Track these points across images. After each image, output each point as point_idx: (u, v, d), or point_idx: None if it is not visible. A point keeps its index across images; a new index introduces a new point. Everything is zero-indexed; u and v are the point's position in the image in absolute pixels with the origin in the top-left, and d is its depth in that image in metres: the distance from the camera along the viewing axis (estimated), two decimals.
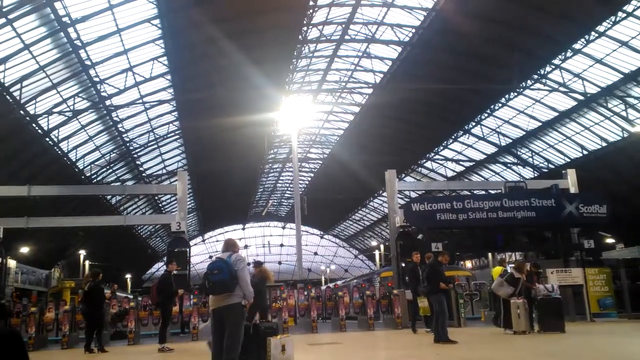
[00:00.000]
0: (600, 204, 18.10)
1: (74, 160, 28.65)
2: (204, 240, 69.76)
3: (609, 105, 25.36)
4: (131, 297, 27.14)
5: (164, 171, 38.74)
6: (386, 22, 25.49)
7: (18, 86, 20.74)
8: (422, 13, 24.05)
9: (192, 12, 21.30)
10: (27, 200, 19.96)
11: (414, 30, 25.41)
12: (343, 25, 26.11)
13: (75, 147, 28.15)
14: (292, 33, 25.32)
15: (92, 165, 31.13)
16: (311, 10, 24.10)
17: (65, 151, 27.40)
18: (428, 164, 40.01)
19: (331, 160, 43.57)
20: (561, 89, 25.51)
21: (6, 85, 20.46)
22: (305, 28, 25.59)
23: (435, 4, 23.04)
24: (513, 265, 14.01)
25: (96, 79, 23.63)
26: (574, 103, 26.64)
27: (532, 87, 26.47)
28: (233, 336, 6.93)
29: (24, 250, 32.12)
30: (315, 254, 72.25)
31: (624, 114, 24.96)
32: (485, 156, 35.47)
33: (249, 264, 10.95)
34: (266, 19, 23.13)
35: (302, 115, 22.80)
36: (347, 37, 27.09)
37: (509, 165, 34.75)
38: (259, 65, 25.20)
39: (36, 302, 18.01)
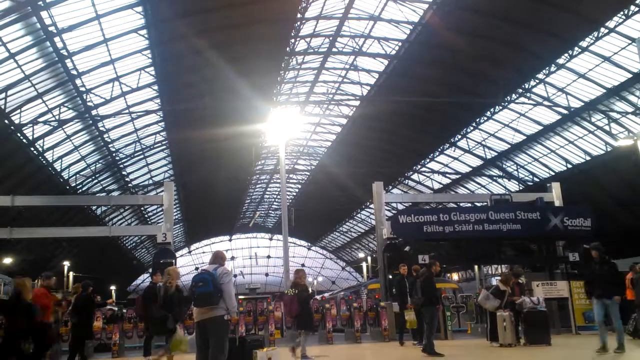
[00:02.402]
0: (585, 217, 18.30)
1: (59, 170, 28.34)
2: (190, 252, 69.26)
3: (593, 120, 25.71)
4: (116, 308, 26.74)
5: (151, 182, 38.50)
6: (373, 35, 25.69)
7: (3, 95, 20.53)
8: (409, 27, 24.28)
9: (179, 23, 21.30)
10: (11, 210, 19.72)
11: (400, 44, 25.63)
12: (330, 38, 26.27)
13: (61, 157, 27.87)
14: (280, 45, 25.40)
15: (78, 175, 30.81)
16: (299, 23, 24.22)
17: (50, 161, 27.11)
18: (415, 176, 40.20)
19: (319, 171, 43.61)
20: (545, 103, 25.81)
21: None
22: (293, 40, 25.70)
23: (421, 18, 23.28)
24: (499, 278, 14.06)
25: (82, 89, 23.46)
26: (558, 117, 26.97)
27: (516, 101, 26.76)
28: (217, 349, 6.89)
29: (7, 261, 31.65)
30: (303, 265, 71.87)
31: (607, 128, 25.31)
32: (471, 169, 35.74)
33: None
34: (254, 30, 23.19)
35: (290, 127, 22.77)
36: (334, 49, 27.24)
37: (494, 178, 35.02)
38: (247, 77, 25.22)
39: None
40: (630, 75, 22.24)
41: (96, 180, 33.96)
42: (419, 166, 38.30)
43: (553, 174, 30.20)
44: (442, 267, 16.81)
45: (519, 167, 32.68)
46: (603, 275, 10.43)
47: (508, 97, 26.36)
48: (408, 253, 19.32)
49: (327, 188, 44.64)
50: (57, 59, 20.75)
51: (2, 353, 9.15)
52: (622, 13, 19.77)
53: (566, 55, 22.80)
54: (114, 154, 31.91)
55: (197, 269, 56.95)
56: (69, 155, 28.49)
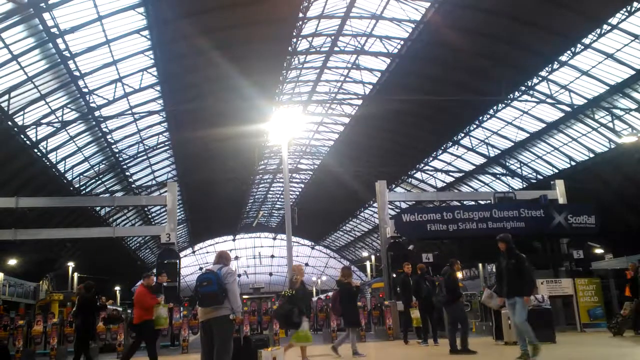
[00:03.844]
0: (589, 215, 18.28)
1: (62, 171, 28.41)
2: (194, 252, 69.37)
3: (596, 117, 25.62)
4: (120, 309, 26.86)
5: (154, 182, 38.55)
6: (375, 34, 25.66)
7: (6, 97, 20.58)
8: (411, 25, 24.24)
9: (181, 24, 21.33)
10: (15, 211, 19.79)
11: (402, 42, 25.59)
12: (332, 37, 26.25)
13: (64, 158, 27.93)
14: (282, 44, 25.40)
15: (81, 176, 30.88)
16: (301, 22, 24.21)
17: (54, 162, 27.19)
18: (418, 175, 40.13)
19: (322, 171, 43.59)
20: (548, 100, 25.74)
21: None
22: (295, 39, 25.70)
23: (423, 17, 23.25)
24: None
25: (85, 90, 23.49)
26: (561, 114, 26.90)
27: (519, 98, 26.70)
28: (222, 348, 6.91)
29: (12, 262, 31.75)
30: (307, 264, 72.02)
31: (610, 125, 25.22)
32: (474, 167, 35.67)
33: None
34: (256, 30, 23.20)
35: (292, 126, 22.77)
36: (336, 48, 27.21)
37: (497, 176, 34.96)
38: (249, 77, 25.24)
39: (24, 315, 17.81)
40: (633, 72, 22.15)
41: (100, 181, 34.03)
42: (422, 164, 38.23)
43: (557, 171, 30.11)
44: (445, 266, 16.77)
45: (522, 164, 32.61)
46: (509, 270, 9.32)
47: (511, 95, 26.32)
48: (412, 251, 19.33)
49: (330, 187, 44.63)
50: (59, 60, 20.79)
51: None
52: (624, 10, 19.69)
53: (569, 52, 22.73)
54: (117, 155, 31.97)
55: (201, 269, 57.09)
56: (72, 156, 28.54)
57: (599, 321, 16.49)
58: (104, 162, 32.31)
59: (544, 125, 28.32)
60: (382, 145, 37.59)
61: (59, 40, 19.64)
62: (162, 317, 10.73)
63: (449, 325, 11.51)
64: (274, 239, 70.64)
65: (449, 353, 10.78)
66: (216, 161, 37.29)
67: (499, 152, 32.64)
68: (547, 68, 24.31)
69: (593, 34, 21.27)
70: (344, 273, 11.87)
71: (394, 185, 40.56)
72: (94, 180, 32.81)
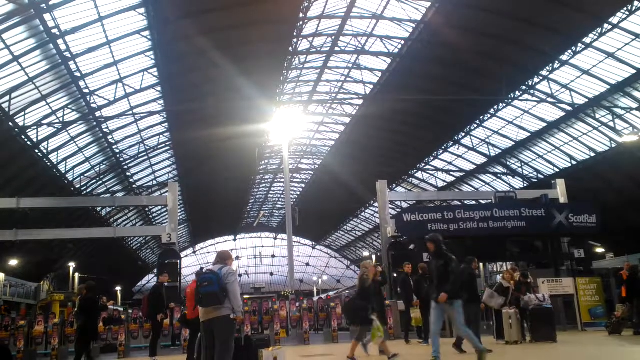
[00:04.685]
0: (590, 214, 18.28)
1: (63, 172, 28.44)
2: (195, 252, 69.38)
3: (597, 116, 25.60)
4: (122, 309, 26.89)
5: (155, 182, 38.57)
6: (376, 34, 25.66)
7: (7, 98, 20.61)
8: (411, 25, 24.23)
9: (182, 24, 21.34)
10: (16, 212, 19.81)
11: (403, 42, 25.58)
12: (333, 37, 26.24)
13: (65, 159, 27.95)
14: (283, 44, 25.41)
15: (82, 177, 30.92)
16: (301, 22, 24.22)
17: (55, 163, 27.20)
18: (419, 175, 40.11)
19: (322, 171, 43.61)
20: (549, 99, 25.73)
21: None
22: (295, 40, 25.70)
23: (424, 17, 23.24)
24: (502, 275, 14.05)
25: (86, 91, 23.51)
26: (562, 114, 26.88)
27: (520, 98, 26.69)
28: (224, 348, 6.92)
29: (13, 262, 31.79)
30: (307, 264, 72.05)
31: (611, 124, 25.20)
32: (475, 166, 35.65)
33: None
34: (256, 30, 23.21)
35: (293, 126, 22.84)
36: (337, 48, 27.21)
37: (498, 175, 34.94)
38: (250, 77, 25.25)
39: (25, 315, 17.86)
40: (634, 71, 22.12)
41: (101, 182, 34.06)
42: (423, 164, 38.21)
43: (557, 170, 30.09)
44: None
45: (523, 164, 32.60)
46: (438, 272, 8.72)
47: (512, 94, 26.31)
48: (413, 251, 19.32)
49: (331, 187, 44.65)
50: (60, 61, 20.80)
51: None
52: (625, 9, 19.66)
53: (570, 51, 22.71)
54: (118, 155, 32.00)
55: (202, 268, 57.06)
56: (73, 157, 28.57)
57: (600, 320, 16.50)
58: (104, 163, 32.32)
59: (544, 124, 28.30)
60: (382, 144, 37.60)
61: (60, 41, 19.65)
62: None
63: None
64: (275, 238, 70.63)
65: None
66: (217, 161, 37.30)
67: (500, 151, 32.62)
68: (547, 67, 24.29)
69: (594, 33, 21.25)
70: (364, 272, 11.85)
71: (394, 185, 40.56)
72: (94, 180, 32.85)
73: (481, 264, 29.78)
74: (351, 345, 10.09)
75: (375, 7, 23.86)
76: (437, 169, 37.44)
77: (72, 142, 27.25)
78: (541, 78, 25.09)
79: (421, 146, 36.41)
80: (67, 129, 25.62)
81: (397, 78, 27.77)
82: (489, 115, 29.76)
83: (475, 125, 31.25)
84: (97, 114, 25.53)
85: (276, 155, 41.13)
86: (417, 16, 23.50)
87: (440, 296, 8.32)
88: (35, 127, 23.49)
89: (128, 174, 35.59)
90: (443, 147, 35.03)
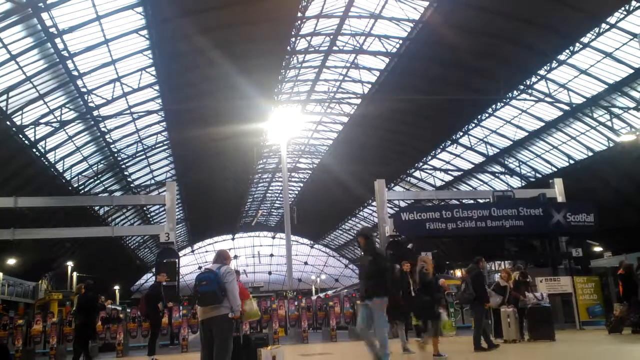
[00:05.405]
0: (588, 213, 18.33)
1: (61, 171, 28.39)
2: (193, 251, 69.34)
3: (595, 115, 25.65)
4: (120, 308, 26.87)
5: (153, 181, 38.54)
6: (374, 33, 25.66)
7: (4, 97, 20.56)
8: (409, 25, 24.24)
9: (180, 23, 21.31)
10: (14, 211, 19.77)
11: (401, 42, 25.59)
12: (331, 36, 26.24)
13: (63, 158, 27.90)
14: (281, 44, 25.40)
15: (80, 176, 30.84)
16: (299, 22, 24.21)
17: (53, 162, 27.15)
18: (417, 174, 40.15)
19: (321, 170, 43.60)
20: (547, 99, 25.77)
21: None
22: (293, 39, 25.69)
23: (422, 16, 23.25)
24: (499, 274, 14.08)
25: (84, 90, 23.46)
26: (560, 113, 26.92)
27: (518, 97, 26.72)
28: (222, 347, 6.92)
29: (11, 262, 31.73)
30: (306, 263, 72.04)
31: (609, 123, 25.26)
32: (473, 166, 35.69)
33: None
34: (254, 29, 23.19)
35: (291, 126, 22.85)
36: (335, 48, 27.20)
37: (496, 174, 34.98)
38: (248, 76, 25.23)
39: (23, 314, 17.82)
40: (631, 71, 22.18)
41: (98, 181, 34.01)
42: (421, 163, 38.26)
43: (555, 170, 30.13)
44: (445, 264, 16.90)
45: (521, 163, 32.65)
46: (367, 268, 8.16)
47: (510, 94, 26.34)
48: (411, 250, 19.34)
49: (329, 186, 44.64)
50: (58, 60, 20.76)
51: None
52: (623, 9, 19.71)
53: (567, 51, 22.75)
54: (116, 155, 31.96)
55: (200, 268, 57.06)
56: (71, 156, 28.53)
57: (598, 319, 16.55)
58: (102, 162, 32.27)
59: (542, 124, 28.35)
60: (380, 144, 37.62)
61: (58, 40, 19.61)
62: (253, 310, 11.15)
63: (476, 322, 11.62)
64: (273, 238, 70.60)
65: (487, 349, 10.82)
66: (215, 160, 37.27)
67: (498, 150, 32.68)
68: (545, 67, 24.34)
69: (592, 32, 21.29)
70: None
71: (392, 184, 40.61)
72: (92, 179, 32.79)
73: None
74: (432, 343, 9.99)
75: (373, 7, 23.86)
76: (435, 168, 37.49)
77: (70, 141, 27.20)
78: (539, 77, 25.13)
79: (419, 145, 36.44)
80: (65, 128, 25.57)
81: (395, 77, 27.78)
82: (487, 115, 29.81)
83: (474, 125, 31.29)
84: (95, 112, 25.47)
85: (274, 154, 41.12)
86: (415, 16, 23.51)
87: (375, 301, 7.83)
88: (33, 126, 23.45)
89: (126, 173, 35.55)
90: (441, 147, 35.05)
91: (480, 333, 10.96)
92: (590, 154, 27.82)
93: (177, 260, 19.98)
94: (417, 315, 10.91)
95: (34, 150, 25.18)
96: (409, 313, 12.36)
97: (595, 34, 21.25)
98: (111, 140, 30.03)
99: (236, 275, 11.75)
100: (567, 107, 25.94)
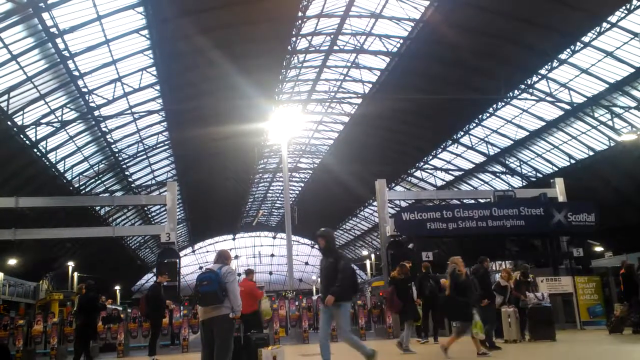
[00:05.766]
0: (589, 213, 18.30)
1: (62, 171, 28.40)
2: (194, 251, 69.35)
3: (596, 115, 25.63)
4: (120, 308, 26.88)
5: (153, 182, 38.55)
6: (374, 32, 25.65)
7: (5, 97, 20.57)
8: (410, 24, 24.23)
9: (180, 23, 21.32)
10: (15, 211, 19.77)
11: (402, 41, 25.58)
12: (332, 36, 26.23)
13: (64, 158, 27.92)
14: (281, 43, 25.39)
15: (81, 176, 30.87)
16: (300, 21, 24.20)
17: (54, 162, 27.17)
18: (418, 173, 40.14)
19: (321, 170, 43.59)
20: (548, 98, 25.74)
21: None
22: (294, 39, 25.69)
23: (423, 15, 23.24)
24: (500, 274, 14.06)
25: (85, 90, 23.48)
26: (561, 113, 26.90)
27: (519, 97, 26.70)
28: (223, 347, 6.91)
29: (12, 262, 31.73)
30: (307, 263, 72.01)
31: (610, 123, 25.23)
32: (474, 165, 35.67)
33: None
34: (255, 29, 23.19)
35: (292, 125, 22.82)
36: (335, 47, 27.20)
37: (497, 174, 34.95)
38: (249, 76, 25.23)
39: (24, 314, 17.82)
40: (633, 70, 22.16)
41: (99, 181, 34.03)
42: (422, 163, 38.25)
43: (556, 169, 30.11)
44: (445, 264, 16.84)
45: (522, 163, 32.62)
46: (327, 270, 7.81)
47: (510, 93, 26.32)
48: (412, 250, 19.33)
49: (330, 186, 44.62)
50: (59, 60, 20.78)
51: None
52: (624, 8, 19.68)
53: (568, 50, 22.73)
54: (117, 155, 31.97)
55: (201, 268, 57.05)
56: (72, 156, 28.55)
57: (599, 319, 16.52)
58: (103, 162, 32.29)
59: (543, 123, 28.32)
60: (381, 143, 37.61)
61: (59, 40, 19.63)
62: (268, 309, 11.55)
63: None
64: (274, 238, 70.57)
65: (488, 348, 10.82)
66: (216, 160, 37.27)
67: (499, 150, 32.66)
68: (546, 66, 24.32)
69: (593, 32, 21.27)
70: (401, 271, 11.93)
71: (393, 184, 40.58)
72: (93, 179, 32.81)
73: None
74: (449, 340, 9.99)
75: (374, 6, 23.86)
76: (436, 168, 37.48)
77: (71, 141, 27.22)
78: (540, 77, 25.11)
79: (420, 145, 36.43)
80: (66, 128, 25.59)
81: (396, 77, 27.76)
82: (488, 114, 29.79)
83: (474, 124, 31.27)
84: (96, 113, 25.49)
85: (275, 154, 41.11)
86: (416, 15, 23.49)
87: (327, 299, 7.53)
88: (34, 126, 23.46)
89: (127, 173, 35.57)
90: (442, 146, 35.04)
91: (492, 332, 11.04)
92: (591, 153, 27.80)
93: (178, 260, 19.98)
94: (450, 317, 10.86)
95: (35, 150, 25.20)
96: (417, 313, 12.45)
97: (596, 33, 21.23)
98: (112, 140, 30.06)
99: (251, 275, 12.44)
100: (568, 107, 25.92)
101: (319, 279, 8.40)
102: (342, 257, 7.96)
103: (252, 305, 11.62)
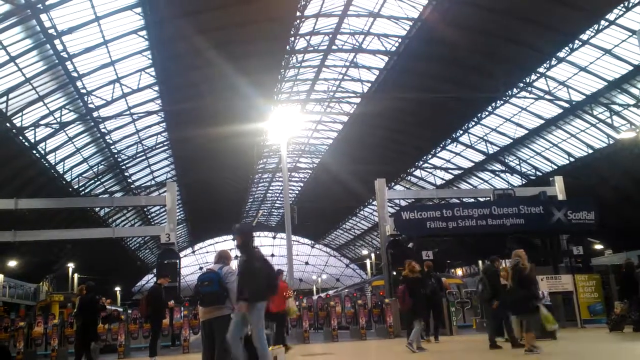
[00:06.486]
0: (588, 211, 18.29)
1: (61, 172, 28.38)
2: (194, 252, 69.37)
3: (594, 113, 25.65)
4: (121, 309, 26.89)
5: (153, 182, 38.54)
6: (373, 32, 25.65)
7: (4, 98, 20.55)
8: (408, 23, 24.24)
9: (179, 23, 21.30)
10: (15, 213, 19.76)
11: (400, 40, 25.59)
12: (330, 36, 26.23)
13: (63, 160, 27.90)
14: (280, 43, 25.39)
15: (80, 177, 30.86)
16: (298, 21, 24.20)
17: (53, 163, 27.15)
18: (417, 173, 40.14)
19: (321, 169, 43.59)
20: (547, 96, 25.75)
21: None
22: (292, 38, 25.69)
23: (421, 14, 23.24)
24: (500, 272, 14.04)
25: (83, 91, 23.47)
26: (560, 111, 26.91)
27: (518, 95, 26.69)
28: (223, 348, 6.90)
29: (12, 263, 31.71)
30: (307, 263, 72.05)
31: (609, 121, 25.25)
32: (473, 164, 35.67)
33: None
34: (253, 29, 23.19)
35: (291, 125, 22.80)
36: (334, 47, 27.20)
37: (497, 172, 34.96)
38: (247, 76, 25.22)
39: (24, 316, 17.80)
40: (631, 68, 22.18)
41: (99, 182, 34.01)
42: (421, 162, 38.25)
43: (556, 167, 30.14)
44: (446, 263, 16.90)
45: (521, 161, 32.62)
46: (241, 269, 7.20)
47: (509, 92, 26.32)
48: (412, 249, 19.33)
49: (329, 186, 44.63)
50: (57, 61, 20.77)
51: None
52: (622, 5, 19.69)
53: (567, 48, 22.74)
54: (116, 156, 31.95)
55: (201, 268, 57.08)
56: (71, 157, 28.53)
57: (599, 317, 16.51)
58: (102, 163, 32.27)
59: (542, 121, 28.33)
60: (380, 143, 37.62)
61: (57, 41, 19.61)
62: (294, 307, 12.23)
63: (489, 321, 11.72)
64: (274, 238, 70.61)
65: (489, 348, 10.93)
66: (215, 161, 37.25)
67: (498, 149, 32.66)
68: (545, 64, 24.33)
69: (591, 30, 21.28)
70: (410, 268, 11.94)
71: (393, 183, 40.58)
72: (93, 181, 32.79)
73: (480, 262, 29.87)
74: (527, 339, 9.89)
75: (372, 5, 23.86)
76: (435, 167, 37.49)
77: (70, 142, 27.19)
78: (538, 75, 25.13)
79: (419, 144, 36.42)
80: (65, 129, 25.57)
81: (394, 76, 27.77)
82: (487, 113, 29.79)
83: (473, 123, 31.27)
84: (95, 114, 25.48)
85: (274, 154, 41.11)
86: (414, 14, 23.50)
87: (239, 305, 6.93)
88: (33, 127, 23.45)
89: (126, 174, 35.55)
90: (441, 145, 35.03)
91: (512, 330, 11.11)
92: (591, 151, 27.81)
93: (178, 261, 19.99)
94: (514, 311, 10.79)
95: (34, 151, 25.17)
96: (428, 311, 12.48)
97: (594, 31, 21.24)
98: (111, 141, 30.04)
99: (280, 275, 12.34)
100: (566, 105, 25.93)
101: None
102: (256, 257, 7.31)
103: (282, 304, 11.89)
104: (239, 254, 7.42)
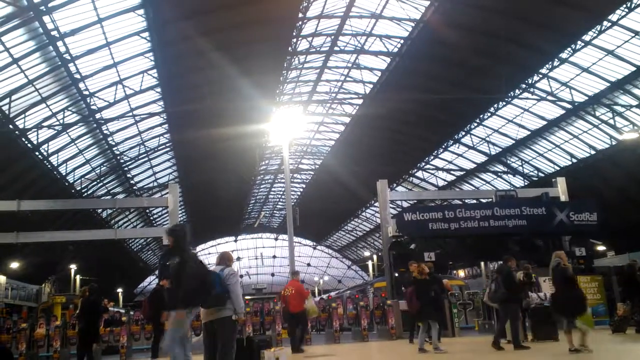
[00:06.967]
0: (591, 212, 18.23)
1: (64, 174, 28.45)
2: (195, 253, 69.37)
3: (597, 114, 25.61)
4: (123, 311, 26.91)
5: (155, 184, 38.56)
6: (375, 33, 25.67)
7: (7, 100, 20.62)
8: (410, 24, 24.24)
9: (181, 25, 21.33)
10: (17, 214, 19.79)
11: (402, 41, 25.59)
12: (332, 37, 26.25)
13: (65, 161, 27.97)
14: (282, 45, 25.41)
15: (83, 179, 30.92)
16: (300, 22, 24.22)
17: (55, 165, 27.21)
18: (419, 174, 40.12)
19: (323, 171, 43.60)
20: (549, 97, 25.73)
21: None
22: (294, 40, 25.71)
23: (423, 16, 23.25)
24: None
25: (86, 93, 23.54)
26: (562, 112, 26.88)
27: (520, 96, 26.69)
28: (225, 349, 6.91)
29: (14, 265, 31.77)
30: (309, 265, 72.01)
31: (611, 122, 25.21)
32: (475, 165, 35.64)
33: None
34: (255, 30, 23.20)
35: (293, 127, 22.81)
36: (336, 48, 27.22)
37: (499, 174, 34.91)
38: (249, 77, 25.25)
39: (27, 318, 17.81)
40: (634, 69, 22.15)
41: (101, 184, 34.06)
42: (423, 163, 38.22)
43: (558, 168, 30.09)
44: (447, 264, 16.89)
45: (523, 162, 32.59)
46: (173, 271, 7.03)
47: (512, 93, 26.30)
48: (414, 250, 19.29)
49: (331, 187, 44.62)
50: (60, 63, 20.82)
51: None
52: (625, 6, 19.67)
53: (569, 49, 22.71)
54: (118, 157, 32.00)
55: None
56: (73, 159, 28.60)
57: (601, 319, 16.46)
58: (105, 165, 32.33)
59: (544, 122, 28.31)
60: (382, 144, 37.60)
61: (59, 43, 19.67)
62: (314, 307, 12.69)
63: (500, 322, 11.74)
64: (276, 239, 70.61)
65: (513, 349, 10.86)
66: (217, 162, 37.28)
67: (500, 150, 32.63)
68: (547, 65, 24.31)
69: (593, 30, 21.25)
70: (419, 270, 11.93)
71: (395, 185, 40.55)
72: (95, 182, 32.86)
73: (482, 263, 29.80)
74: (567, 338, 9.90)
75: (374, 7, 23.87)
76: (437, 168, 37.45)
77: (73, 144, 27.27)
78: (541, 76, 25.10)
79: (421, 145, 36.41)
80: (68, 131, 25.63)
81: (396, 77, 27.76)
82: (489, 114, 29.77)
83: (476, 124, 31.26)
84: (97, 115, 25.53)
85: (276, 155, 41.12)
86: (416, 15, 23.50)
87: (175, 313, 6.56)
88: (36, 129, 23.51)
89: (128, 175, 35.61)
90: (443, 146, 35.03)
91: (518, 331, 11.06)
92: (593, 152, 27.78)
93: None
94: (566, 314, 10.74)
95: (37, 153, 25.23)
96: (433, 316, 12.42)
97: (596, 32, 21.21)
98: (113, 143, 30.09)
99: (297, 275, 13.43)
100: (569, 106, 25.90)
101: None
102: (190, 258, 7.05)
103: (301, 304, 12.44)
104: (171, 255, 7.10)
